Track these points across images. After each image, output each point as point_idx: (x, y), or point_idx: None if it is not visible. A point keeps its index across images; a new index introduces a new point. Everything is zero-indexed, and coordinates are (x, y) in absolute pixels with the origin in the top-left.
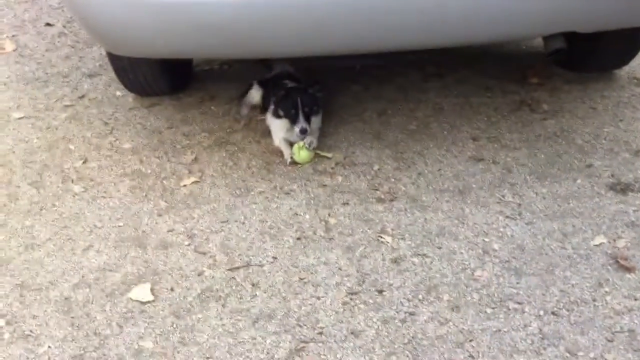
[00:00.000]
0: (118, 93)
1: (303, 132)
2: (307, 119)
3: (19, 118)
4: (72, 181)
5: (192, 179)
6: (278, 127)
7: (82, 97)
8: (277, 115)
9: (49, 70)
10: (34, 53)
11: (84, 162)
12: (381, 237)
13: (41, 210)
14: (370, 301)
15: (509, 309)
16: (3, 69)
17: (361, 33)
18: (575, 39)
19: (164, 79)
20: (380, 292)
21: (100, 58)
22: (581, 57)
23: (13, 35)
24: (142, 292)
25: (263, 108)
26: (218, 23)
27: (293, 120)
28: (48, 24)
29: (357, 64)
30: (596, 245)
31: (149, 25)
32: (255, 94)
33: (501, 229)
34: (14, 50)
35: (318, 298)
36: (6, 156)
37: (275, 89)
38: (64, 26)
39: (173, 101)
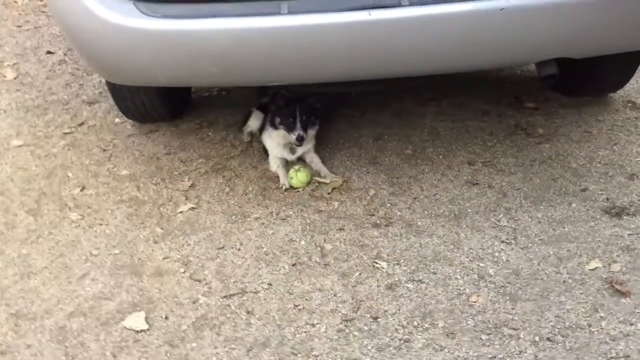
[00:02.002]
0: (117, 120)
1: (300, 139)
2: (305, 129)
3: (18, 146)
4: (70, 209)
5: (189, 205)
6: (274, 144)
7: (81, 124)
8: (274, 125)
9: (49, 98)
10: (34, 81)
11: (81, 190)
12: (376, 263)
13: (38, 238)
14: (365, 328)
15: (504, 335)
16: (4, 96)
17: (358, 61)
18: (570, 63)
19: (162, 105)
20: (375, 318)
21: (100, 85)
22: (576, 81)
23: (14, 63)
24: (136, 320)
25: (260, 132)
26: (217, 52)
27: (290, 129)
28: (49, 52)
29: (353, 90)
30: (591, 270)
31: (147, 54)
32: (254, 122)
33: (496, 254)
34: (14, 78)
35: (313, 325)
36: (4, 184)
37: (273, 103)
38: (65, 54)
39: (171, 127)
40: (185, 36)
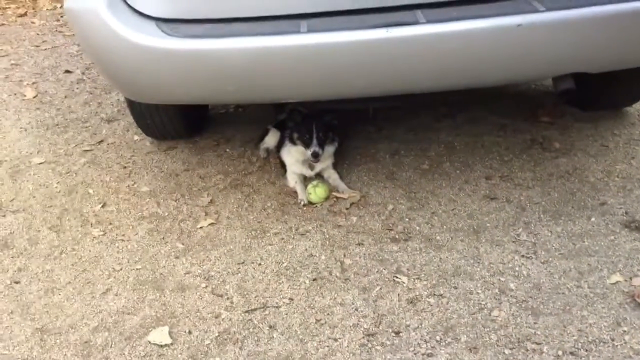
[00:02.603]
0: (136, 137)
1: (315, 155)
2: (321, 145)
3: (40, 163)
4: (91, 225)
5: (209, 220)
6: (292, 160)
7: (101, 142)
8: (292, 140)
9: (68, 116)
10: (53, 99)
11: (102, 206)
12: (397, 277)
13: (61, 254)
14: (388, 342)
15: (527, 350)
16: (24, 115)
17: (376, 77)
18: (585, 77)
19: (180, 123)
20: (397, 333)
21: (118, 104)
22: (592, 96)
23: (33, 83)
24: (160, 335)
25: (277, 149)
26: (238, 70)
27: (307, 144)
28: (67, 71)
29: (370, 106)
30: (612, 284)
31: (169, 73)
32: (271, 139)
33: (517, 268)
34: (34, 97)
35: (335, 340)
36: (27, 201)
37: (291, 119)
38: (83, 73)
39: (189, 144)
40: (207, 55)
